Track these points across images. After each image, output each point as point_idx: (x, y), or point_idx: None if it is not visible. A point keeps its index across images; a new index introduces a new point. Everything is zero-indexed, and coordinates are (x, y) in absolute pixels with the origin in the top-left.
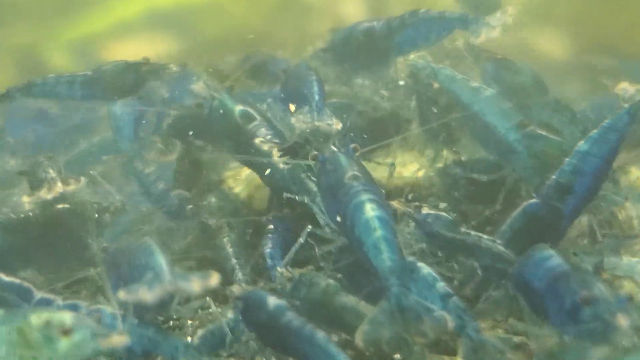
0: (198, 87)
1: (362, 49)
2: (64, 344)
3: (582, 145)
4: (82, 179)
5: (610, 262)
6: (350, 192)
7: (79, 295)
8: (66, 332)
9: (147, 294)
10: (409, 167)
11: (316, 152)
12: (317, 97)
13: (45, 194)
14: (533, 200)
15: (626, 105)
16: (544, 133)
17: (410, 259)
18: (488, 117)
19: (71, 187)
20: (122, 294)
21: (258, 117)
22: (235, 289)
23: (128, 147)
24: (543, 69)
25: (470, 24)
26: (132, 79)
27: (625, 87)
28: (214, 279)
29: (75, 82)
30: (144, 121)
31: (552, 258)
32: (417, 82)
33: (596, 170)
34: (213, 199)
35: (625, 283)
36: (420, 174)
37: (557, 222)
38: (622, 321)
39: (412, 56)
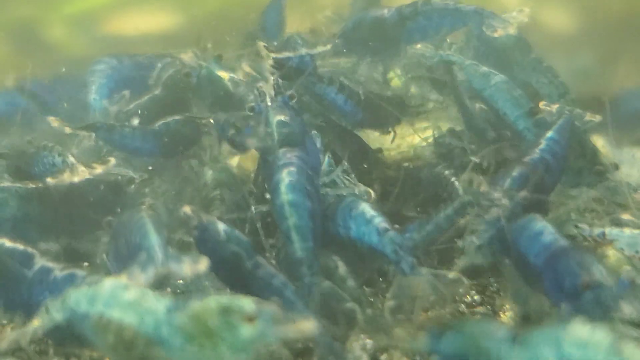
0: (187, 57)
1: (372, 37)
2: (247, 331)
3: (550, 133)
4: (112, 159)
5: (612, 234)
6: (275, 164)
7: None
8: (251, 318)
9: (140, 278)
10: (407, 139)
11: (252, 104)
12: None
13: (69, 178)
14: (519, 172)
15: (567, 112)
16: None
17: (350, 198)
18: (498, 103)
19: (98, 170)
20: (123, 278)
21: (244, 84)
22: (189, 211)
23: (97, 106)
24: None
25: (485, 19)
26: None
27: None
28: (203, 265)
29: (148, 135)
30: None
31: (547, 232)
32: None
33: (564, 155)
34: (210, 172)
35: (610, 253)
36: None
37: (545, 192)
38: (626, 309)
39: (418, 46)
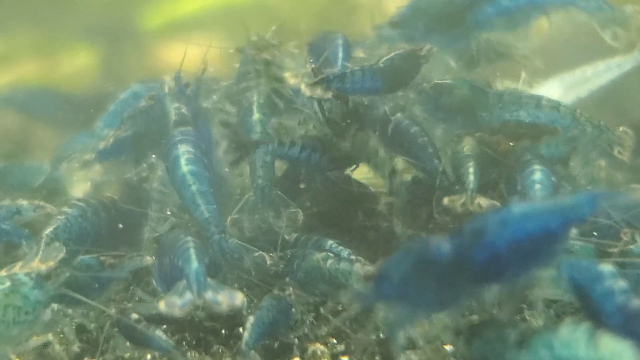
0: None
1: (439, 22)
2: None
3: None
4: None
5: None
6: (170, 143)
7: None
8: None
9: (176, 309)
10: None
11: (153, 93)
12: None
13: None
14: None
15: None
16: None
17: (315, 237)
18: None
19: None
20: (162, 306)
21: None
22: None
23: (98, 132)
24: None
25: None
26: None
27: None
28: (239, 300)
29: (377, 73)
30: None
31: (618, 289)
32: None
33: None
34: None
35: None
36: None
37: None
38: None
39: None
